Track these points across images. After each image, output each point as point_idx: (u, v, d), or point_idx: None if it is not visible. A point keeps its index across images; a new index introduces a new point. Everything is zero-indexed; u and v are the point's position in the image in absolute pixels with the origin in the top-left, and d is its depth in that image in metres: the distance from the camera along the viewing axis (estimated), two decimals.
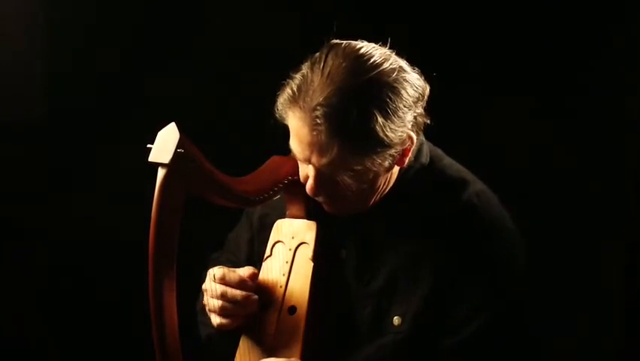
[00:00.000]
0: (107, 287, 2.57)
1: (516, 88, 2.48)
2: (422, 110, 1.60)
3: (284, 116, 1.57)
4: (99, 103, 2.54)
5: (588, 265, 2.49)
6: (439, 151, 1.73)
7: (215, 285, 1.63)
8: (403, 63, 1.58)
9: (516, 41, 2.48)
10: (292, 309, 1.66)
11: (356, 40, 1.59)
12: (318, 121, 1.49)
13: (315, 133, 1.51)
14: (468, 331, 1.58)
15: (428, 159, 1.68)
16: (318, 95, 1.50)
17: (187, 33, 2.54)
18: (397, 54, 1.59)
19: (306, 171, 1.60)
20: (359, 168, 1.54)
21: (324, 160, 1.53)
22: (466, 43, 2.50)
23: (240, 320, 1.65)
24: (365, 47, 1.57)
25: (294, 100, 1.53)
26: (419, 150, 1.66)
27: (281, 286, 1.67)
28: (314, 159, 1.55)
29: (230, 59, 2.54)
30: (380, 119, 1.50)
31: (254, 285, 1.66)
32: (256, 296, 1.63)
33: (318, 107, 1.49)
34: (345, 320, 1.68)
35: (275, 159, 1.70)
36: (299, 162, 1.63)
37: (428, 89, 1.61)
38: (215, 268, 1.65)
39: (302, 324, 1.63)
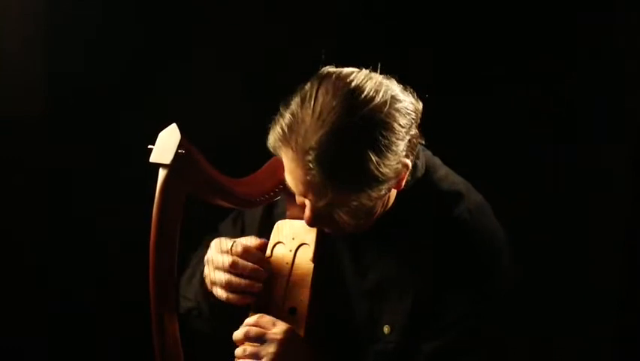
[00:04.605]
0: (107, 288, 2.57)
1: (515, 87, 2.49)
2: (416, 131, 1.57)
3: (277, 152, 1.55)
4: (99, 103, 2.54)
5: (588, 265, 2.49)
6: (436, 161, 1.71)
7: (224, 256, 1.62)
8: (396, 89, 1.55)
9: (515, 40, 2.48)
10: (292, 310, 1.66)
11: (347, 66, 1.56)
12: (311, 165, 1.48)
13: (309, 177, 1.50)
14: (446, 339, 1.60)
15: (423, 170, 1.67)
16: (310, 137, 1.48)
17: (187, 33, 2.54)
18: (389, 75, 1.56)
19: (302, 199, 1.59)
20: (355, 203, 1.54)
21: (320, 202, 1.53)
22: (465, 42, 2.50)
23: (248, 297, 1.64)
24: (356, 79, 1.52)
25: (286, 140, 1.51)
26: (414, 166, 1.63)
27: (281, 287, 1.68)
28: (310, 197, 1.55)
29: (231, 59, 2.54)
30: (374, 158, 1.48)
31: (263, 256, 1.66)
32: (263, 270, 1.64)
33: (311, 152, 1.47)
34: (342, 320, 1.69)
35: (276, 161, 1.69)
36: None
37: (421, 107, 1.58)
38: (223, 239, 1.65)
39: (302, 325, 1.63)
